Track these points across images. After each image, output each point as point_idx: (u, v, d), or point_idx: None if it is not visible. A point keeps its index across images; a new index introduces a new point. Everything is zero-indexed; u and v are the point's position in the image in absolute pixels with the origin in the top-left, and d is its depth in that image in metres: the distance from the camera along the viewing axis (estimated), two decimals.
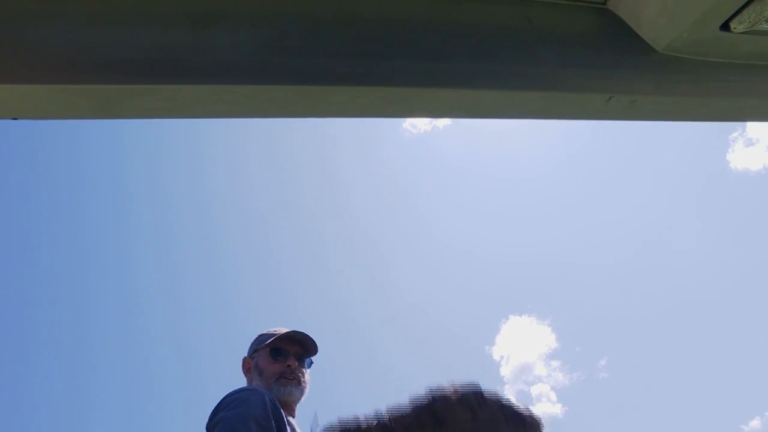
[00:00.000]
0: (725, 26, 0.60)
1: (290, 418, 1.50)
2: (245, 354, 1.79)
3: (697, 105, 0.70)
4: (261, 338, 1.74)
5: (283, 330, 1.73)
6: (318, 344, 1.75)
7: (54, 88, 0.51)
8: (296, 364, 1.68)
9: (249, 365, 1.72)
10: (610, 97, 0.64)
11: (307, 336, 1.73)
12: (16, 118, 0.53)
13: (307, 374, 1.71)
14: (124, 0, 0.52)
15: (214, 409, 1.48)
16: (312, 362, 1.75)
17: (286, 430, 1.43)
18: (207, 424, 1.47)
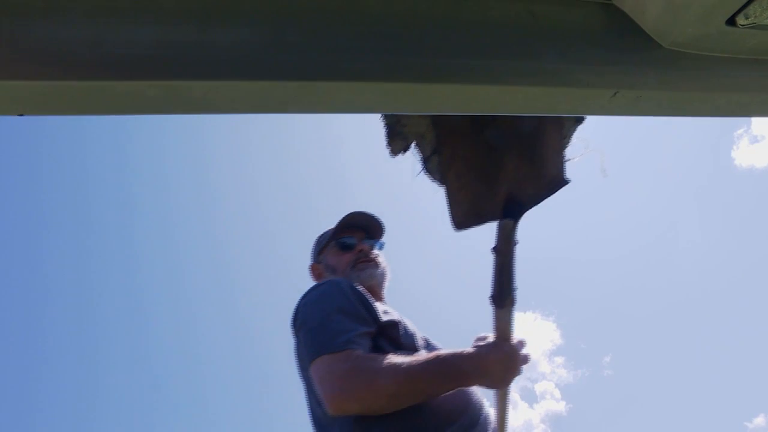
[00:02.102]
0: (731, 21, 0.60)
1: (378, 304, 1.37)
2: (310, 262, 1.63)
3: (702, 100, 0.70)
4: (320, 239, 1.62)
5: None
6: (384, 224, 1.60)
7: (59, 84, 0.52)
8: (367, 246, 1.54)
9: (318, 270, 1.59)
10: (615, 93, 0.64)
11: (370, 216, 1.59)
12: (22, 115, 0.53)
13: (382, 256, 1.57)
14: None
15: (293, 316, 1.37)
16: (383, 244, 1.61)
17: (374, 310, 1.31)
18: (293, 332, 1.36)
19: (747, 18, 0.59)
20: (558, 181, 1.12)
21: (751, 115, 0.75)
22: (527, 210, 1.15)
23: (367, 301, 1.33)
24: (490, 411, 1.31)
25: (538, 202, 1.14)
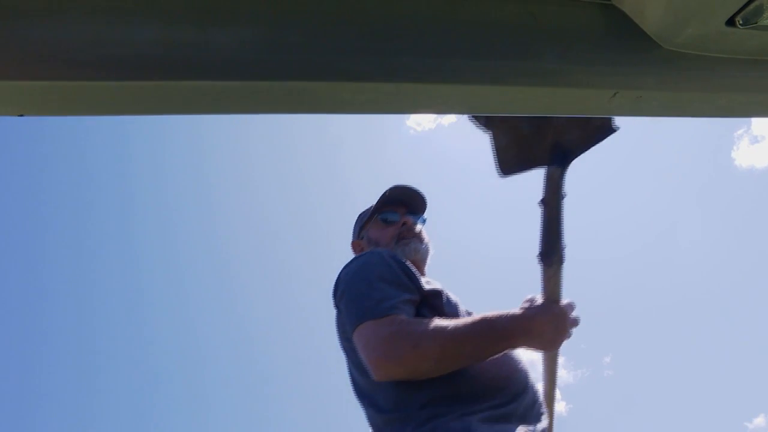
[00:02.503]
0: (731, 22, 0.60)
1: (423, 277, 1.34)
2: (353, 239, 1.60)
3: (702, 101, 0.70)
4: (362, 215, 1.60)
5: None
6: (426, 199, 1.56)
7: (59, 84, 0.52)
8: (411, 220, 1.51)
9: (360, 246, 1.56)
10: (615, 93, 0.64)
11: (413, 191, 1.54)
12: (22, 115, 0.53)
13: (425, 232, 1.53)
14: None
15: (334, 286, 1.35)
16: (425, 219, 1.57)
17: (417, 278, 1.29)
18: (334, 302, 1.34)
19: (747, 19, 0.59)
20: (606, 128, 1.08)
21: (751, 115, 0.75)
22: (575, 158, 1.12)
23: (410, 269, 1.30)
24: (537, 377, 1.29)
25: (586, 150, 1.11)
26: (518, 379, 1.21)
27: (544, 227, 1.14)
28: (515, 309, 1.20)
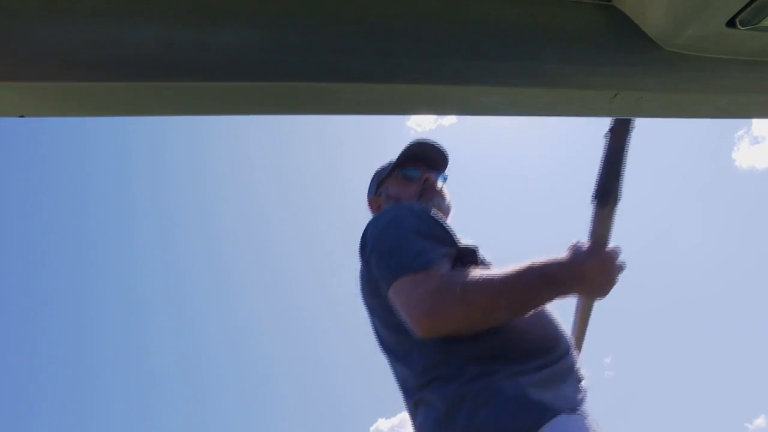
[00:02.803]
0: (731, 23, 0.60)
1: None
2: (370, 196, 1.50)
3: (702, 102, 0.70)
4: (380, 171, 1.53)
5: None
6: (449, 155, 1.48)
7: (60, 85, 0.52)
8: (433, 177, 1.42)
9: (378, 203, 1.47)
10: (615, 94, 0.64)
11: (435, 146, 1.46)
12: (22, 116, 0.53)
13: (446, 189, 1.45)
14: None
15: (361, 242, 1.25)
16: (446, 177, 1.49)
17: (452, 232, 1.20)
18: (361, 258, 1.24)
19: (747, 20, 0.59)
20: None
21: (752, 116, 0.75)
22: None
23: (445, 224, 1.21)
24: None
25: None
26: (561, 339, 1.15)
27: (605, 161, 1.05)
28: (562, 255, 1.12)
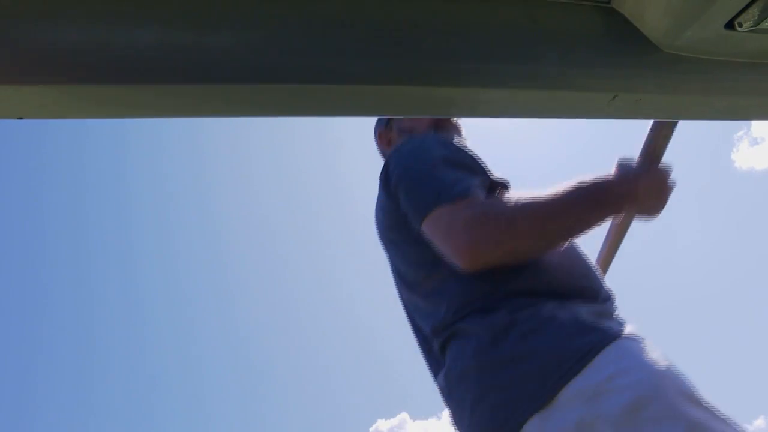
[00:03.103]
0: (730, 25, 0.60)
1: None
2: (379, 129, 1.39)
3: (701, 104, 0.70)
4: None
5: None
6: None
7: (58, 88, 0.52)
8: None
9: (389, 136, 1.36)
10: (614, 96, 0.64)
11: None
12: (21, 118, 0.53)
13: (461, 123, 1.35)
14: (127, 0, 0.53)
15: (384, 175, 1.15)
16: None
17: (483, 162, 1.12)
18: (385, 192, 1.15)
19: (746, 21, 0.59)
20: None
21: (750, 118, 0.75)
22: None
23: (473, 153, 1.12)
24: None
25: None
26: (602, 283, 1.07)
27: None
28: (609, 173, 1.04)
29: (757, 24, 0.59)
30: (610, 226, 1.21)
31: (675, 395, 0.83)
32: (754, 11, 0.58)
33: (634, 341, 0.92)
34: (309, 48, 0.56)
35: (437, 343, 1.04)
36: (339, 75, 0.56)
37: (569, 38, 0.63)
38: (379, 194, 1.19)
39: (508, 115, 0.66)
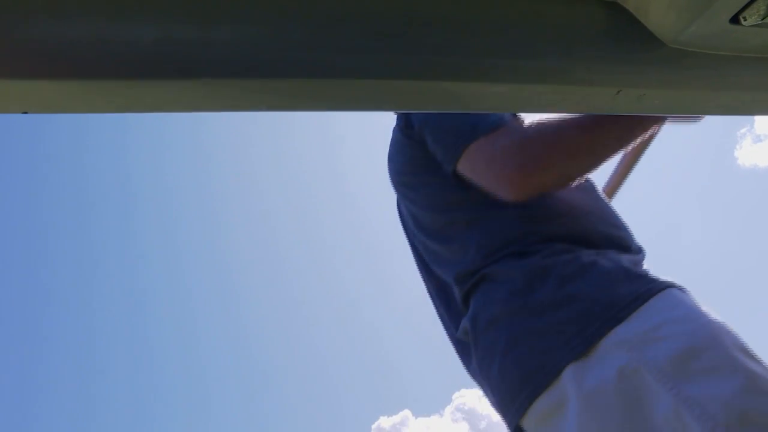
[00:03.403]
0: (735, 19, 0.60)
1: None
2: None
3: (705, 99, 0.70)
4: None
5: None
6: None
7: (63, 82, 0.52)
8: None
9: None
10: (618, 91, 0.64)
11: None
12: (26, 112, 0.53)
13: None
14: None
15: (403, 124, 1.12)
16: None
17: None
18: (407, 134, 1.11)
19: (751, 16, 0.59)
20: None
21: (755, 113, 0.75)
22: None
23: None
24: None
25: None
26: (632, 233, 1.06)
27: None
28: None
29: (762, 19, 0.59)
30: (623, 158, 1.21)
31: (732, 347, 0.81)
32: (760, 6, 0.58)
33: (684, 292, 0.89)
34: (312, 42, 0.56)
35: (461, 291, 1.00)
36: (342, 69, 0.56)
37: (573, 33, 0.63)
38: (394, 141, 1.16)
39: (512, 109, 0.66)
